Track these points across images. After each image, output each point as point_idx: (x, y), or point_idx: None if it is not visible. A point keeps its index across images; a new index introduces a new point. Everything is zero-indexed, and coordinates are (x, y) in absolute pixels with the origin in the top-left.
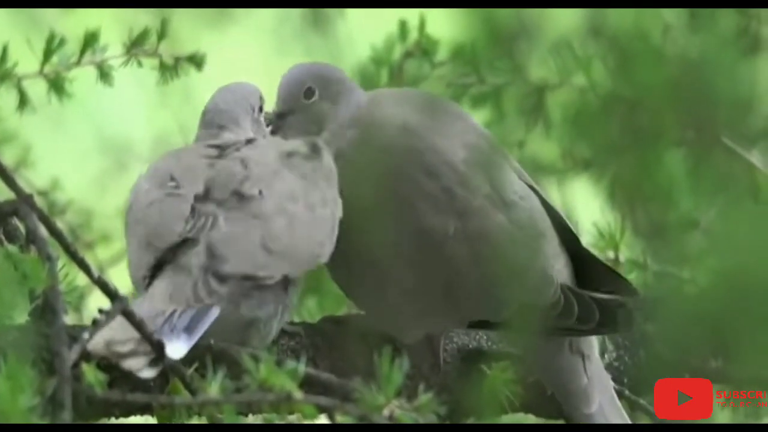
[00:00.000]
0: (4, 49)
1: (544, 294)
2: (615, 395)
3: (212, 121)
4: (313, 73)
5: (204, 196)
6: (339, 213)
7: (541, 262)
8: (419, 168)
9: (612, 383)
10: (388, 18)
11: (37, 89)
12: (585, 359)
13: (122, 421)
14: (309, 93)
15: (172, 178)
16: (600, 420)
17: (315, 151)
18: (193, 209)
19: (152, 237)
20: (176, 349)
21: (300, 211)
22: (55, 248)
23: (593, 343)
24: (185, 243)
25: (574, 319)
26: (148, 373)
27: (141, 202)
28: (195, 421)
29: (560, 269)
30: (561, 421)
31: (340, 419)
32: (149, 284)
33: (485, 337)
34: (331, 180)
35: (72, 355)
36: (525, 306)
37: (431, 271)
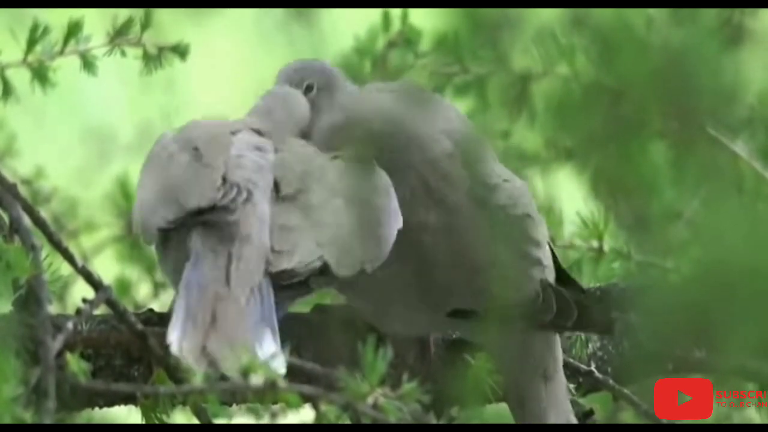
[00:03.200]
0: None
1: (523, 290)
2: (573, 420)
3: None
4: (312, 69)
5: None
6: None
7: (522, 256)
8: (401, 159)
9: (571, 411)
10: (371, 8)
11: (20, 79)
12: (547, 380)
13: (105, 414)
14: (308, 89)
15: (196, 148)
16: None
17: None
18: (224, 179)
19: (179, 192)
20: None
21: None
22: (39, 237)
23: (558, 363)
24: (215, 209)
25: (552, 315)
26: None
27: (164, 149)
28: (179, 411)
29: (545, 258)
30: None
31: (325, 408)
32: (164, 238)
33: None
34: None
35: (56, 344)
36: (502, 300)
37: (407, 258)
